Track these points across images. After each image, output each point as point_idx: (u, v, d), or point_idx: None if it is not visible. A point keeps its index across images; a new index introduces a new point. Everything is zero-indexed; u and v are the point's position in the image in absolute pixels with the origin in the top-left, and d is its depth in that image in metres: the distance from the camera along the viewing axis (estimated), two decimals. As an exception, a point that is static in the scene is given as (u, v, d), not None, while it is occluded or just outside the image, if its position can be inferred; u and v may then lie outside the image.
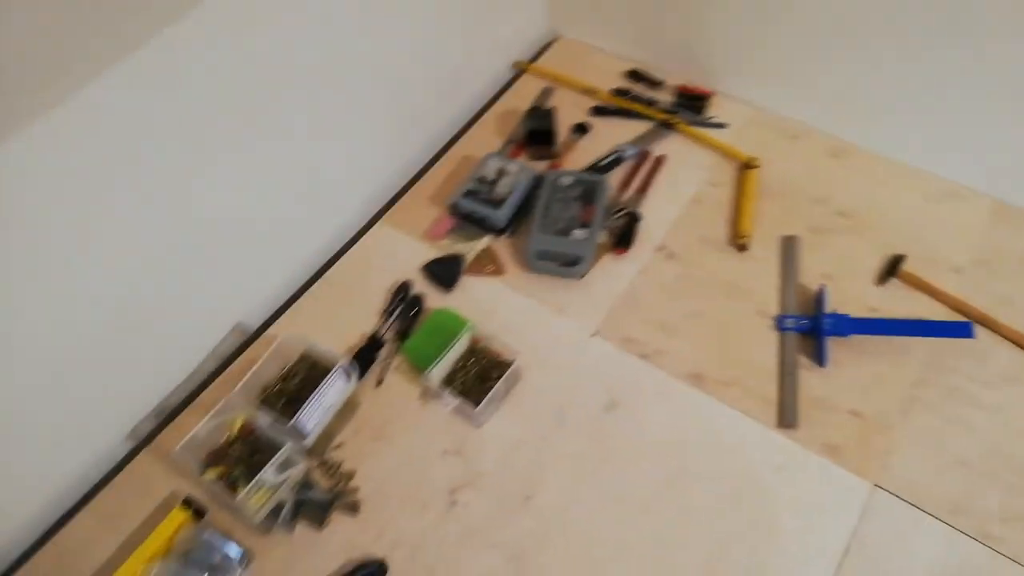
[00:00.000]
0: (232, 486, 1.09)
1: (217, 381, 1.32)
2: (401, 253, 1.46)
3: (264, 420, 1.11)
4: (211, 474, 1.08)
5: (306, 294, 1.42)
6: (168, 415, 1.30)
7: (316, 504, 1.14)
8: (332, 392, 1.15)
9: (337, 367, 1.15)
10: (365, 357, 1.28)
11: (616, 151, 1.57)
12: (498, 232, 1.46)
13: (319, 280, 1.44)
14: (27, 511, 1.17)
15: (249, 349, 1.35)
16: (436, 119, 1.65)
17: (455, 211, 1.47)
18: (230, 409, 1.13)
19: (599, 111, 1.67)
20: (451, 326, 1.31)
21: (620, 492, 1.15)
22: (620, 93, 1.69)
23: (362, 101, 1.40)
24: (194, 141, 1.10)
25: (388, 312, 1.37)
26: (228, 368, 1.34)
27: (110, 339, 1.14)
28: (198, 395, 1.31)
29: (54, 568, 1.13)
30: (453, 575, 1.10)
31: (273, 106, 1.20)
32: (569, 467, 1.18)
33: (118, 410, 1.24)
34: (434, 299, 1.39)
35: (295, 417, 1.09)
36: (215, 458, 1.12)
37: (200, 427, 1.10)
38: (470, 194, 1.46)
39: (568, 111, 1.63)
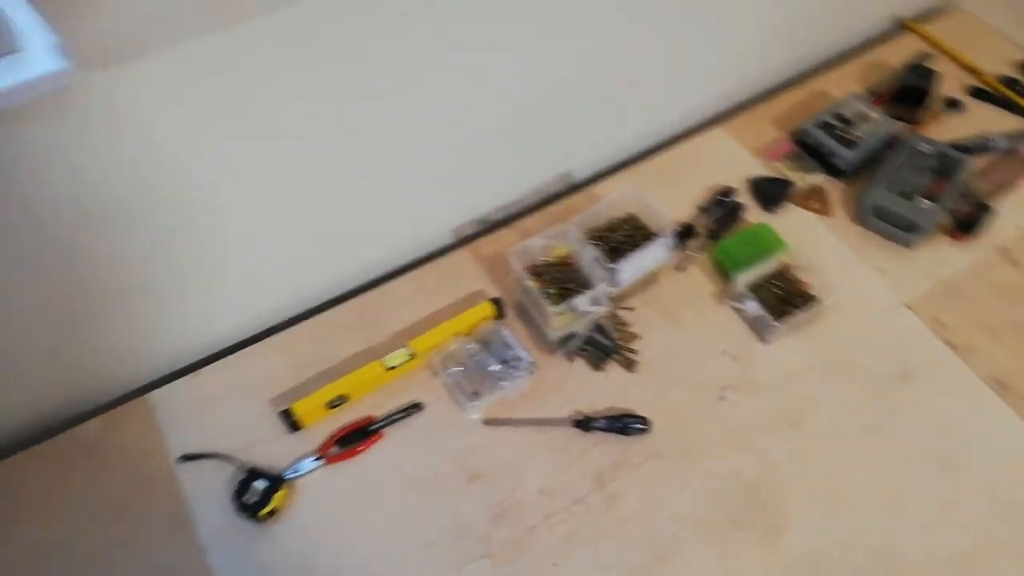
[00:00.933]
0: (539, 302, 1.19)
1: (536, 214, 1.42)
2: (731, 160, 1.48)
3: (589, 255, 1.19)
4: (532, 282, 1.19)
5: (629, 168, 1.48)
6: (488, 227, 1.43)
7: (601, 347, 1.22)
8: (651, 255, 1.21)
9: (665, 235, 1.21)
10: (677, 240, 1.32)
11: (985, 138, 1.48)
12: (836, 173, 1.44)
13: (645, 160, 1.49)
14: (373, 256, 1.34)
15: (570, 198, 1.44)
16: (799, 45, 1.61)
17: (802, 137, 1.46)
18: (561, 236, 1.23)
19: (978, 93, 1.57)
20: (768, 242, 1.32)
21: (883, 459, 1.15)
22: (1007, 82, 1.57)
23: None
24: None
25: (705, 209, 1.40)
26: (547, 207, 1.44)
27: (472, 148, 1.27)
28: (514, 221, 1.42)
29: (372, 311, 1.30)
30: (706, 456, 1.15)
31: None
32: (841, 415, 1.19)
33: (452, 207, 1.38)
34: (752, 214, 1.41)
35: (616, 263, 1.16)
36: (532, 272, 1.22)
37: (535, 240, 1.21)
38: (824, 126, 1.44)
39: (942, 83, 1.54)
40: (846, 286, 1.29)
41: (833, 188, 1.45)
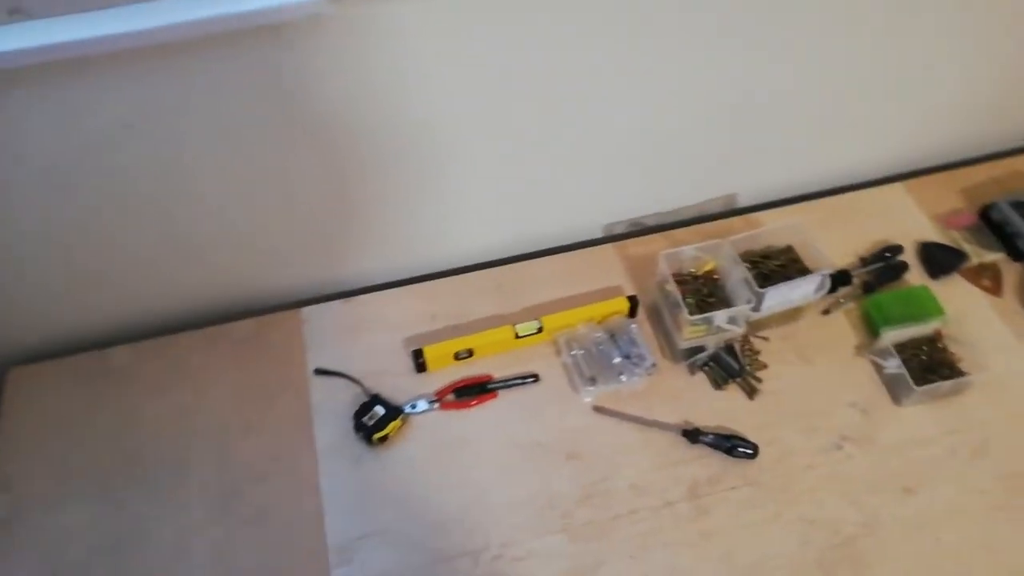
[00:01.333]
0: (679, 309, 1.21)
1: (690, 228, 1.44)
2: (904, 219, 1.44)
3: (738, 274, 1.20)
4: (675, 287, 1.21)
5: (796, 204, 1.46)
6: (639, 230, 1.46)
7: (727, 367, 1.23)
8: (801, 289, 1.20)
9: (820, 272, 1.20)
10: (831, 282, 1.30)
11: None
12: (1018, 256, 1.36)
13: (814, 199, 1.47)
14: (526, 231, 1.43)
15: (728, 220, 1.45)
16: (1003, 121, 1.53)
17: (990, 212, 1.39)
18: (714, 250, 1.24)
19: None
20: (925, 306, 1.28)
21: (1005, 546, 1.08)
22: None
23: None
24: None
25: (866, 260, 1.37)
26: (703, 224, 1.45)
27: (647, 153, 1.33)
28: (667, 230, 1.45)
29: (512, 283, 1.38)
30: (806, 497, 1.13)
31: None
32: (965, 494, 1.13)
33: (609, 205, 1.43)
34: (914, 276, 1.36)
35: (762, 290, 1.16)
36: (676, 279, 1.24)
37: (687, 248, 1.23)
38: (1017, 206, 1.36)
39: None
40: (999, 369, 1.22)
41: (1009, 270, 1.37)
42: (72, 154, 1.03)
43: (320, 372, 1.28)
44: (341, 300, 1.37)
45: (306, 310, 1.35)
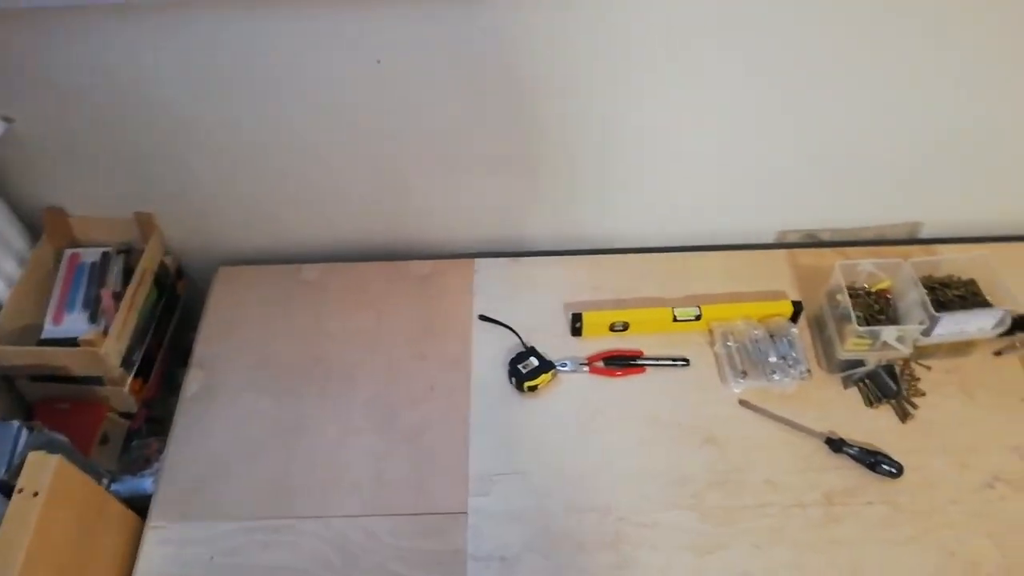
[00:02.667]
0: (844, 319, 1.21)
1: (865, 248, 1.43)
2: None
3: (915, 295, 1.19)
4: (843, 296, 1.21)
5: (980, 243, 1.41)
6: (811, 243, 1.47)
7: (884, 386, 1.22)
8: (977, 322, 1.17)
9: (1002, 309, 1.16)
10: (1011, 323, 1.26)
11: None
12: None
13: (998, 243, 1.42)
14: (698, 229, 1.47)
15: (907, 247, 1.42)
16: None
17: None
18: (892, 269, 1.24)
19: None
20: (1112, 366, 1.21)
21: None
22: None
23: None
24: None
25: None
26: (879, 247, 1.43)
27: (836, 168, 1.34)
28: (841, 247, 1.44)
29: (677, 270, 1.42)
30: (944, 528, 1.11)
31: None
32: None
33: (786, 213, 1.46)
34: (1105, 336, 1.28)
35: (938, 315, 1.15)
36: (848, 292, 1.24)
37: (865, 262, 1.23)
38: None
39: None
40: None
41: None
42: (327, 84, 1.17)
43: (484, 319, 1.37)
44: (512, 258, 1.46)
45: (479, 261, 1.45)
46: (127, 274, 1.37)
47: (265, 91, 1.18)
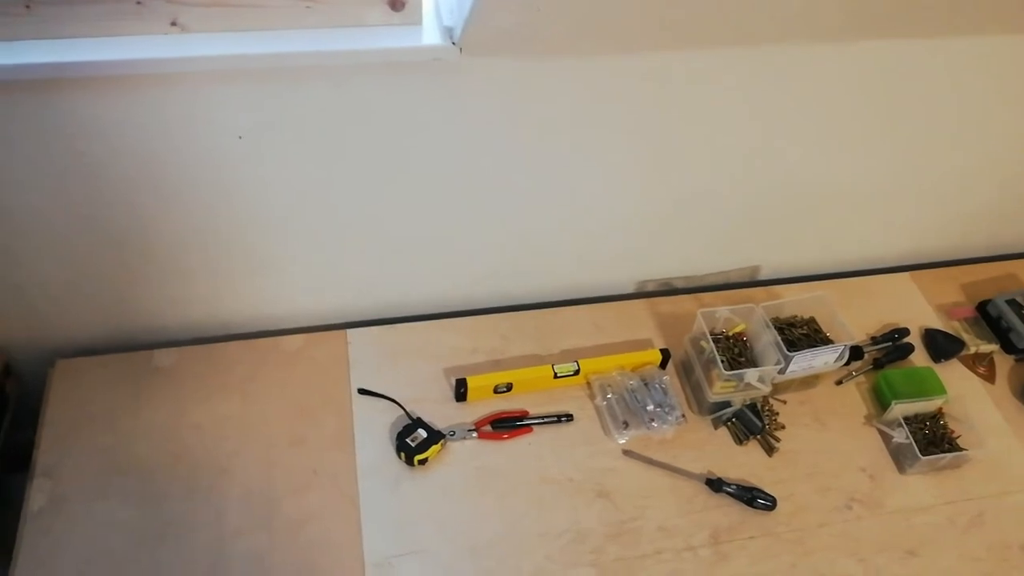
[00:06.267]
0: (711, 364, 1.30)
1: (716, 293, 1.55)
2: (910, 306, 1.56)
3: (769, 337, 1.30)
4: (708, 343, 1.30)
5: (812, 282, 1.58)
6: (667, 291, 1.56)
7: (750, 424, 1.31)
8: (823, 358, 1.30)
9: (842, 344, 1.30)
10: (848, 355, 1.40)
11: None
12: (1010, 349, 1.49)
13: (827, 279, 1.59)
14: (561, 284, 1.52)
15: (751, 290, 1.56)
16: (1004, 230, 1.69)
17: (988, 308, 1.52)
18: (746, 314, 1.34)
19: None
20: (930, 385, 1.39)
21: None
22: None
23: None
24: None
25: (876, 340, 1.48)
26: (728, 291, 1.56)
27: (678, 221, 1.45)
28: (695, 292, 1.55)
29: (549, 327, 1.46)
30: (818, 551, 1.21)
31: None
32: (961, 562, 1.22)
33: (642, 264, 1.54)
34: (918, 358, 1.47)
35: (791, 354, 1.26)
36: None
37: (721, 309, 1.33)
38: (1012, 304, 1.49)
39: None
40: (992, 448, 1.33)
41: (1003, 360, 1.49)
42: (181, 160, 1.10)
43: (364, 392, 1.33)
44: (385, 326, 1.43)
45: (352, 332, 1.41)
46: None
47: (81, 169, 1.08)
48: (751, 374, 1.27)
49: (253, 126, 1.08)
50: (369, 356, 1.38)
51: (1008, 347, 1.50)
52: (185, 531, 1.14)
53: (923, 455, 1.27)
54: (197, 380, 1.31)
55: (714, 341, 1.32)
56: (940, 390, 1.38)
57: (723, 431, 1.34)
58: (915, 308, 1.56)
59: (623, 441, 1.30)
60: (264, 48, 0.96)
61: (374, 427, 1.29)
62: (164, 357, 1.34)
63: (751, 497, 1.24)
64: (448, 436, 1.27)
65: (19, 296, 1.25)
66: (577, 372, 1.35)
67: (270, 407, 1.29)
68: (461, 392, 1.31)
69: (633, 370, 1.37)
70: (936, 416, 1.36)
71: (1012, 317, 1.48)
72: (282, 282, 1.36)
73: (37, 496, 1.15)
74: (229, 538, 1.14)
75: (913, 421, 1.35)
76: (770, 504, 1.23)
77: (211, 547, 1.13)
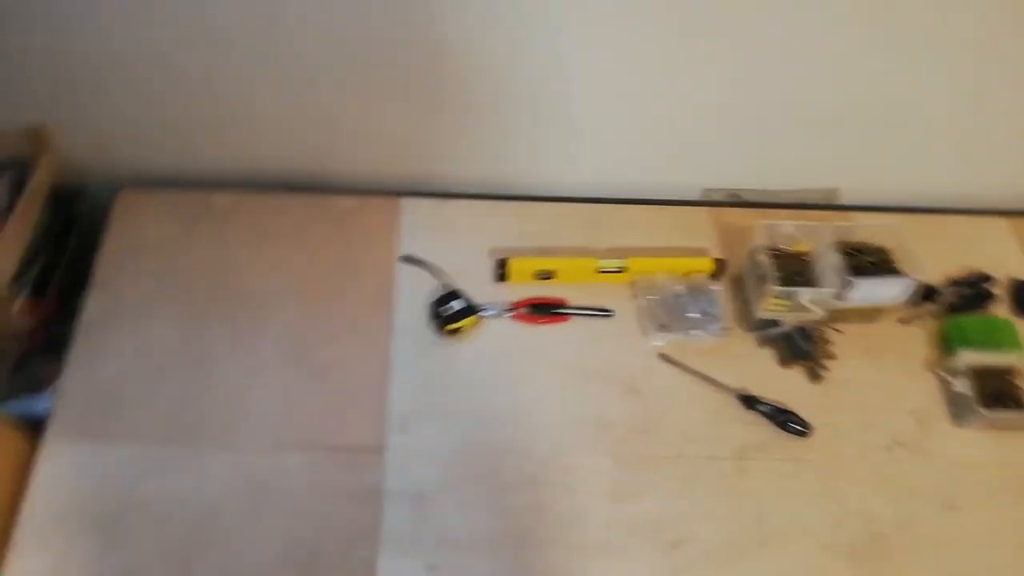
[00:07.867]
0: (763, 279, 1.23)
1: (786, 211, 1.46)
2: (1002, 254, 1.44)
3: (832, 260, 1.21)
4: (764, 257, 1.23)
5: (895, 214, 1.46)
6: (735, 202, 1.48)
7: (797, 347, 1.25)
8: (889, 290, 1.21)
9: (912, 277, 1.21)
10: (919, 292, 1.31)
11: None
12: (1107, 315, 1.35)
13: (913, 214, 1.47)
14: (637, 180, 1.46)
15: (825, 213, 1.46)
16: None
17: (1090, 265, 1.38)
18: (812, 232, 1.26)
19: None
20: (1005, 338, 1.28)
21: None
22: None
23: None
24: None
25: (955, 283, 1.37)
26: (799, 210, 1.46)
27: (761, 128, 1.35)
28: (763, 208, 1.47)
29: (603, 221, 1.41)
30: (848, 487, 1.15)
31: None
32: (1004, 524, 1.15)
33: (711, 170, 1.46)
34: (1000, 309, 1.36)
35: (855, 279, 1.18)
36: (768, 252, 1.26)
37: (786, 224, 1.25)
38: (1121, 264, 1.35)
39: None
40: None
41: (1095, 326, 1.36)
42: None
43: (406, 259, 1.33)
44: (439, 199, 1.41)
45: (405, 200, 1.40)
46: (18, 191, 1.25)
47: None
48: (805, 293, 1.19)
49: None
50: (419, 226, 1.37)
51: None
52: (220, 358, 1.19)
53: (984, 409, 1.18)
54: (251, 223, 1.34)
55: (774, 256, 1.25)
56: (1016, 344, 1.28)
57: (767, 352, 1.28)
58: (1007, 257, 1.43)
59: (660, 343, 1.26)
60: None
61: (414, 294, 1.29)
62: (222, 198, 1.37)
63: (784, 420, 1.18)
64: (483, 312, 1.26)
65: (92, 120, 1.29)
66: (622, 270, 1.30)
67: (316, 257, 1.31)
68: (501, 272, 1.30)
69: (682, 276, 1.31)
70: (1005, 372, 1.26)
71: (1115, 281, 1.34)
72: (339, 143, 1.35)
73: (91, 306, 1.22)
74: (259, 370, 1.18)
75: (980, 373, 1.25)
76: (804, 430, 1.18)
77: (241, 376, 1.17)
